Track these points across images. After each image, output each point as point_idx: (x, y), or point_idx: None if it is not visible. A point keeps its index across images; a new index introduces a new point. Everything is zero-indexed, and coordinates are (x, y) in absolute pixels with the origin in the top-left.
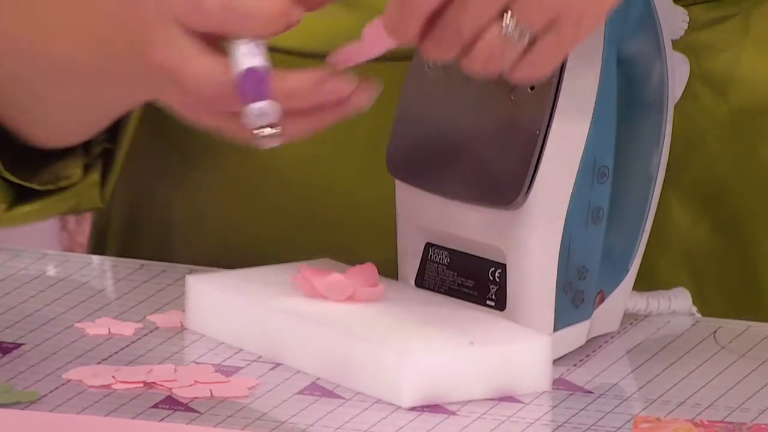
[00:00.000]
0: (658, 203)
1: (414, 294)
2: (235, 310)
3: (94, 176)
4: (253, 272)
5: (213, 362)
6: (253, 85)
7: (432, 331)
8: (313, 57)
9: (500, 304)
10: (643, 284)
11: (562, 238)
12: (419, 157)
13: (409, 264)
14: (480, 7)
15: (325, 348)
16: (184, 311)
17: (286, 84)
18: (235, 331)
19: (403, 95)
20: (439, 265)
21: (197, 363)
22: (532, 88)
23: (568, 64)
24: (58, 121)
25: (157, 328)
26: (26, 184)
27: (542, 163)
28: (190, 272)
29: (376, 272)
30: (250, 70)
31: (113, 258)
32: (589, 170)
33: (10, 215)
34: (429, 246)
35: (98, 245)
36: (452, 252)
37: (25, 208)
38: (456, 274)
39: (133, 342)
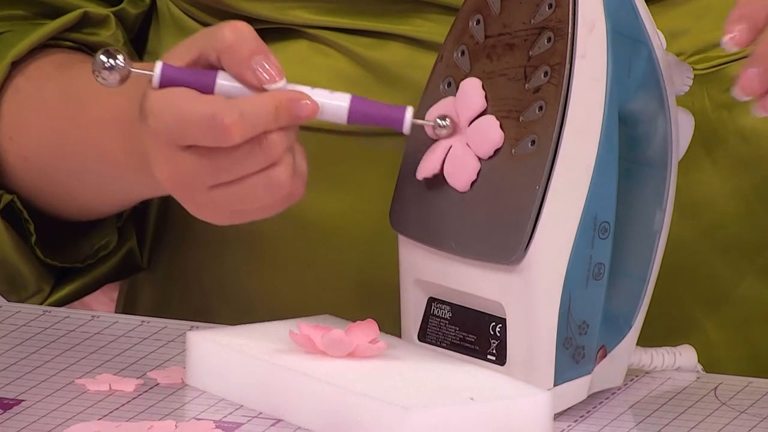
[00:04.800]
0: (700, 261)
1: (414, 350)
2: (235, 367)
3: (132, 241)
4: (254, 328)
5: (214, 418)
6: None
7: (433, 387)
8: (356, 135)
9: (501, 359)
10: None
11: (563, 293)
12: (421, 212)
13: (412, 319)
14: None
15: (326, 404)
16: (184, 367)
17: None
18: (236, 387)
19: (406, 152)
20: (441, 320)
21: (198, 419)
22: (533, 143)
23: (568, 120)
24: (95, 204)
25: (157, 384)
26: (67, 265)
27: (542, 219)
28: (191, 328)
29: (377, 328)
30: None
31: (114, 314)
32: (590, 226)
33: (58, 296)
34: (432, 300)
35: (128, 304)
36: (454, 306)
37: (70, 287)
38: (458, 328)
39: (133, 398)
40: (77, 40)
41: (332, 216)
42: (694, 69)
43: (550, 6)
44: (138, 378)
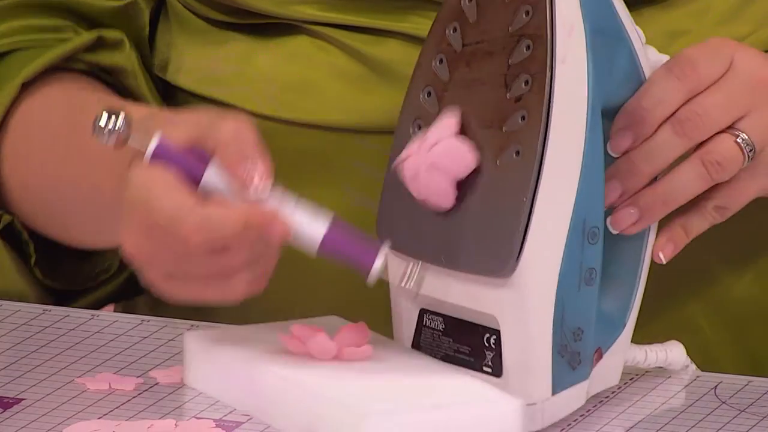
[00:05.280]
0: (698, 262)
1: (403, 355)
2: (221, 368)
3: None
4: (254, 329)
5: (213, 417)
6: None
7: (402, 391)
8: (356, 132)
9: (497, 371)
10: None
11: (556, 302)
12: (408, 224)
13: (404, 330)
14: (719, 112)
15: (295, 407)
16: (180, 366)
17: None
18: (221, 387)
19: (390, 163)
20: (434, 331)
21: (198, 418)
22: (517, 153)
23: (552, 128)
24: (89, 239)
25: (157, 383)
26: (65, 288)
27: (531, 230)
28: (191, 327)
29: (367, 332)
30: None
31: (114, 313)
32: (579, 232)
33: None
34: (423, 312)
35: (128, 303)
36: (446, 318)
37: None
38: (451, 340)
39: (133, 397)
40: (91, 62)
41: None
42: None
43: (527, 13)
44: (138, 377)
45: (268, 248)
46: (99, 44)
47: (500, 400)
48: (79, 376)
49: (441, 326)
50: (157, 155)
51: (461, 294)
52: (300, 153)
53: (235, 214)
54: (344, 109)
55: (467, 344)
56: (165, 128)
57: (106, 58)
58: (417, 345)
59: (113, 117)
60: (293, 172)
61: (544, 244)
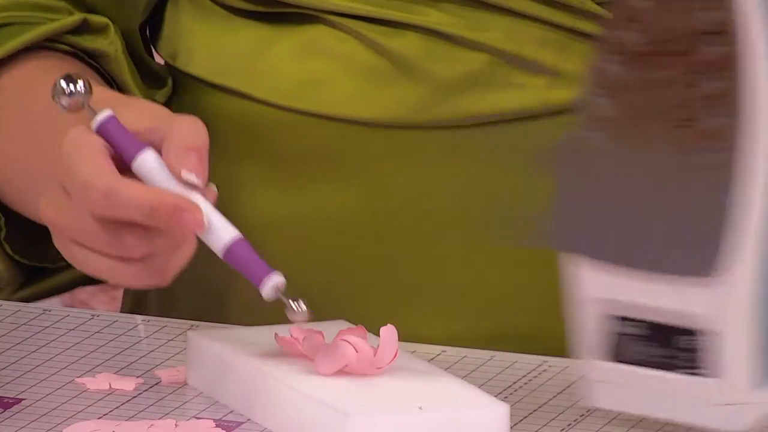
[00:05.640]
0: None
1: (400, 360)
2: (222, 368)
3: None
4: (254, 330)
5: (214, 417)
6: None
7: (389, 394)
8: (370, 126)
9: (708, 372)
10: None
11: (760, 298)
12: (592, 227)
13: (591, 337)
14: None
15: (282, 408)
16: (185, 366)
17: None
18: (222, 388)
19: (562, 168)
20: (634, 338)
21: (198, 418)
22: (715, 151)
23: (750, 123)
24: None
25: (158, 383)
26: (37, 264)
27: (736, 228)
28: (191, 327)
29: (365, 335)
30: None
31: (114, 313)
32: None
33: (28, 293)
34: (616, 318)
35: (135, 307)
36: (647, 323)
37: (41, 285)
38: (656, 345)
39: (134, 397)
40: (74, 45)
41: (339, 213)
42: None
43: (715, 8)
44: (138, 377)
45: (175, 243)
46: (83, 27)
47: (486, 404)
48: (79, 376)
49: (639, 331)
50: (102, 127)
51: (661, 296)
52: (312, 146)
53: (145, 196)
54: (359, 102)
55: (672, 348)
56: (122, 109)
57: (88, 41)
58: (612, 353)
59: (72, 81)
60: (304, 166)
61: (747, 241)
